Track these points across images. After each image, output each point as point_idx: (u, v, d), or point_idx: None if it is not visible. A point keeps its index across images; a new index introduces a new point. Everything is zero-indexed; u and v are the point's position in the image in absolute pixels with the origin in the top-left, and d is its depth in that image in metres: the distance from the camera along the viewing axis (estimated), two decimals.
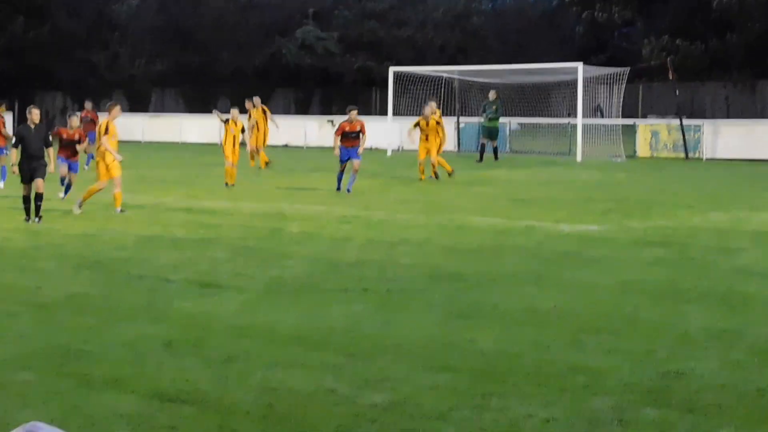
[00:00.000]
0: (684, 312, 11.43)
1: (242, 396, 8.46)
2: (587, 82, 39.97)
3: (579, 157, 38.31)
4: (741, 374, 8.98)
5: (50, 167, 20.05)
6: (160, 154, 45.27)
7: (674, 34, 59.85)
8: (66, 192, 23.67)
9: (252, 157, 33.91)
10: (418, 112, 32.91)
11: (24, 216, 19.63)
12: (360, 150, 26.06)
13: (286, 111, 67.47)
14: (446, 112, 43.64)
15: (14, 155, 20.04)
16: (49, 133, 20.26)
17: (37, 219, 19.41)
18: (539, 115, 43.82)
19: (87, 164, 32.05)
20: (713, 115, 56.46)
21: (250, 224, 19.25)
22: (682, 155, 39.58)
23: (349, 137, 26.34)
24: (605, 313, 11.41)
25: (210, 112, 40.69)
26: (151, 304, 12.06)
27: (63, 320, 11.25)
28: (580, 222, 19.48)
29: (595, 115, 43.29)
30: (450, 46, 67.19)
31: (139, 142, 53.35)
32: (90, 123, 36.87)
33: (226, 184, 27.22)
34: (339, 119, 50.28)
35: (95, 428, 7.78)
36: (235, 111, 28.57)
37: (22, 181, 19.69)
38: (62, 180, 23.96)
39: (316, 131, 49.47)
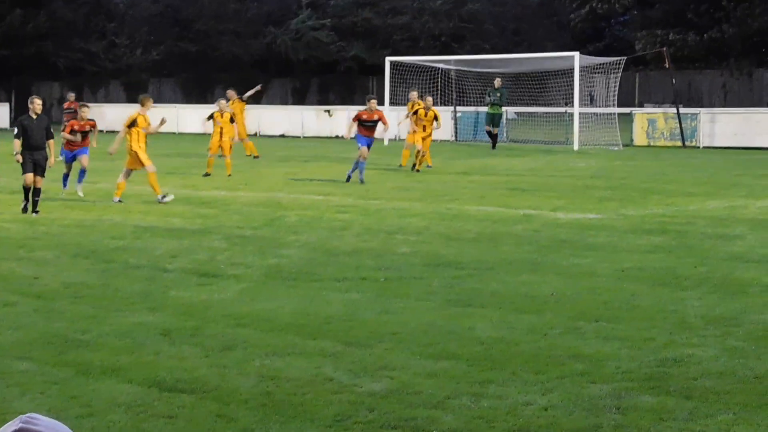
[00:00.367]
0: (682, 299, 11.44)
1: (240, 384, 8.46)
2: (584, 71, 39.95)
3: (576, 146, 38.30)
4: (739, 360, 9.00)
5: (50, 161, 19.77)
6: (157, 143, 45.15)
7: (670, 24, 59.80)
8: (80, 179, 22.49)
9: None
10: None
11: (22, 205, 19.40)
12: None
13: (284, 100, 67.42)
14: (443, 101, 43.61)
15: (17, 145, 19.61)
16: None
17: (34, 213, 19.21)
18: (536, 104, 43.81)
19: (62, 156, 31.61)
20: (710, 104, 56.46)
21: (247, 213, 19.24)
22: (679, 143, 39.57)
23: (366, 125, 26.32)
24: (603, 300, 11.42)
25: (208, 102, 40.73)
26: (149, 293, 12.06)
27: (61, 309, 11.25)
28: (578, 210, 19.49)
29: (586, 102, 43.23)
30: (446, 34, 67.11)
31: None
32: (73, 114, 36.65)
33: (206, 174, 27.11)
34: (336, 109, 50.38)
35: (94, 417, 7.78)
36: (222, 102, 28.76)
37: (24, 171, 19.36)
38: (66, 176, 22.81)
39: (313, 121, 49.39)
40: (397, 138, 44.12)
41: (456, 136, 44.24)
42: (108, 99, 66.37)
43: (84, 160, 22.59)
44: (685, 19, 60.12)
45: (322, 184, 24.97)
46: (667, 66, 43.41)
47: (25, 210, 19.33)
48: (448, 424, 7.55)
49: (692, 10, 60.04)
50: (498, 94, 38.97)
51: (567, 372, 8.68)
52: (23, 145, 19.44)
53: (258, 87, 37.87)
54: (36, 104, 19.54)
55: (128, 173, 21.41)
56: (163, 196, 20.83)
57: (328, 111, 49.82)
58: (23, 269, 13.67)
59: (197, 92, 66.63)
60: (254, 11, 68.65)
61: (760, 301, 11.37)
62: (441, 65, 45.43)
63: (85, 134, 22.99)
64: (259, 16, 68.48)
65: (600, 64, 42.15)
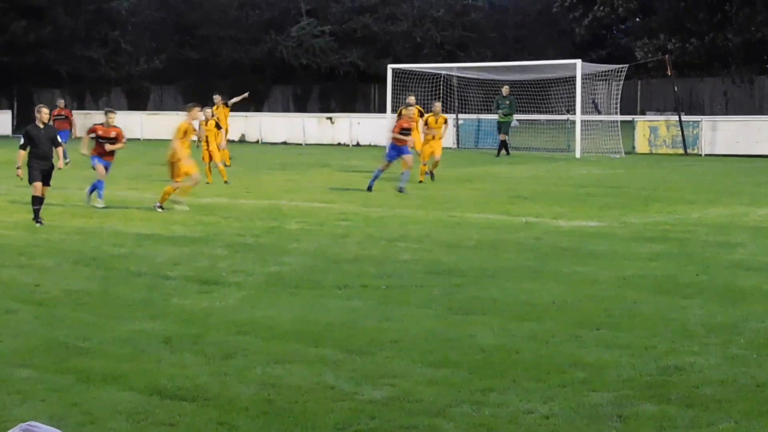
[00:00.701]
0: (683, 307, 11.42)
1: (241, 392, 8.46)
2: (585, 78, 39.96)
3: (578, 153, 38.31)
4: (740, 369, 8.98)
5: (59, 163, 19.53)
6: (158, 151, 45.20)
7: (671, 32, 59.80)
8: (91, 191, 21.84)
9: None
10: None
11: (33, 216, 18.75)
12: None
13: (285, 108, 67.46)
14: (445, 109, 43.61)
15: (20, 158, 19.05)
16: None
17: (38, 223, 18.73)
18: (538, 112, 43.83)
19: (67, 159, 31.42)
20: (712, 111, 56.45)
21: (248, 221, 19.23)
22: (681, 151, 39.56)
23: (406, 133, 25.34)
24: (604, 308, 11.41)
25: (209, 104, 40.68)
26: (150, 300, 12.06)
27: (62, 317, 11.24)
28: (580, 217, 19.48)
29: (589, 109, 43.25)
30: (448, 42, 67.16)
31: (138, 140, 53.30)
32: (64, 120, 36.53)
33: (206, 182, 27.02)
34: (338, 116, 50.42)
35: (94, 424, 7.78)
36: (207, 110, 28.80)
37: (33, 180, 18.77)
38: (98, 184, 21.76)
39: (315, 128, 49.41)
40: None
41: (458, 144, 44.26)
42: (109, 106, 66.35)
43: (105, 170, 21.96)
44: (686, 26, 60.14)
45: (324, 192, 24.96)
46: (669, 73, 43.42)
47: (37, 219, 18.65)
48: None
49: (693, 17, 60.07)
50: (507, 102, 38.99)
51: (568, 380, 8.67)
52: (31, 155, 18.89)
53: (245, 94, 38.39)
54: (43, 113, 19.04)
55: (191, 180, 21.42)
56: (161, 206, 20.79)
57: (330, 118, 49.86)
58: (24, 276, 13.67)
59: (198, 99, 66.31)
60: (255, 18, 68.70)
61: (761, 309, 11.35)
62: (443, 72, 45.46)
63: (111, 141, 21.96)
64: (259, 23, 68.52)
65: (602, 72, 42.15)
